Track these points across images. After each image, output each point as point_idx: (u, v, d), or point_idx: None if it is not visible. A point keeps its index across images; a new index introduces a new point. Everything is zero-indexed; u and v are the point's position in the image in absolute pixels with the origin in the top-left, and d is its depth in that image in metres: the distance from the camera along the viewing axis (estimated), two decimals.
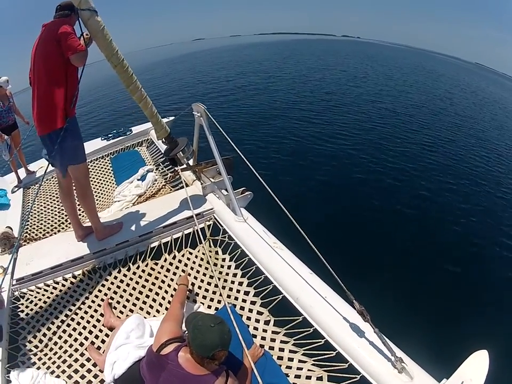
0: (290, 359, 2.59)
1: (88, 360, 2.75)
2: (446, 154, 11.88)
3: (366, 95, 20.95)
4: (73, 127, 3.11)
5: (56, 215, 4.93)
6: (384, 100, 19.90)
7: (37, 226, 4.73)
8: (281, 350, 2.66)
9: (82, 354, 2.80)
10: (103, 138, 6.75)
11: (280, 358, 2.61)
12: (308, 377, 2.44)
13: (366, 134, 12.99)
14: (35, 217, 4.94)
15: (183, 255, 3.63)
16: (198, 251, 3.67)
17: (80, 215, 4.05)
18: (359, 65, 37.13)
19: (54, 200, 5.30)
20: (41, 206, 5.24)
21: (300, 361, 2.56)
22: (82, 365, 2.72)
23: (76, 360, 2.76)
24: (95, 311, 3.15)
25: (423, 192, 8.96)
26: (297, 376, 2.46)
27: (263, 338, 2.78)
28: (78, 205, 3.83)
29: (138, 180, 5.23)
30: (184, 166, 4.29)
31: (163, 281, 3.38)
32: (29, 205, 4.60)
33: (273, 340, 2.75)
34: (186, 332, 2.06)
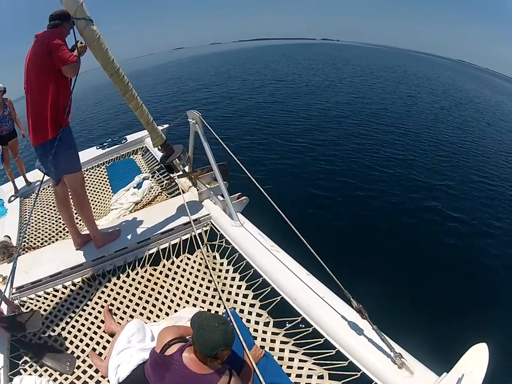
0: (291, 359, 2.62)
1: (90, 366, 2.75)
2: (429, 152, 12.03)
3: (340, 96, 21.30)
4: (66, 136, 3.13)
5: (53, 223, 4.94)
6: (356, 101, 20.14)
7: (35, 235, 4.74)
8: (282, 350, 2.70)
9: (84, 361, 2.80)
10: (98, 147, 6.77)
11: (280, 358, 2.64)
12: (309, 376, 2.46)
13: (358, 135, 13.19)
14: (33, 226, 4.95)
15: (181, 261, 3.67)
16: (196, 256, 3.71)
17: (78, 223, 4.06)
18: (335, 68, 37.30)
19: (51, 209, 5.32)
20: (38, 215, 5.26)
21: (300, 360, 2.59)
22: (84, 372, 2.72)
23: (78, 367, 2.75)
24: (96, 317, 3.16)
25: (413, 190, 9.13)
26: (299, 376, 2.49)
27: (263, 339, 2.81)
28: (75, 213, 3.85)
29: (134, 187, 5.26)
30: (180, 172, 4.32)
31: (162, 287, 3.41)
32: (26, 214, 4.61)
33: (273, 341, 2.78)
34: (190, 336, 2.09)
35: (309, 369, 2.51)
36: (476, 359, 2.13)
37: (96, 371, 2.70)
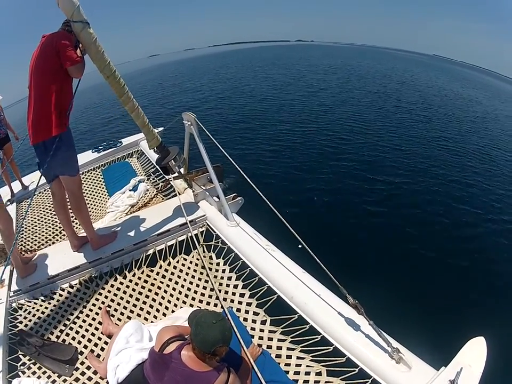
0: (289, 356, 2.64)
1: (88, 368, 2.76)
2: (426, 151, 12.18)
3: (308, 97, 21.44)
4: (67, 137, 3.16)
5: (50, 227, 4.94)
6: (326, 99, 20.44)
7: (32, 238, 4.74)
8: (279, 348, 2.71)
9: (82, 363, 2.80)
10: (93, 151, 6.79)
11: (278, 356, 2.65)
12: (307, 373, 2.49)
13: (352, 134, 13.35)
14: (30, 230, 4.95)
15: (177, 262, 3.70)
16: (193, 257, 3.74)
17: (74, 225, 4.07)
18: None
19: (47, 212, 5.33)
20: (35, 218, 5.26)
21: (298, 357, 2.61)
22: (83, 373, 2.72)
23: (77, 369, 2.75)
24: (93, 319, 3.17)
25: (404, 185, 9.29)
26: (297, 373, 2.51)
27: (261, 337, 2.83)
28: (72, 215, 3.86)
29: (130, 190, 5.28)
30: (176, 174, 4.35)
31: (159, 288, 3.43)
32: (22, 218, 4.61)
33: (270, 339, 2.80)
34: (188, 336, 2.11)
35: (307, 366, 2.54)
36: (474, 352, 2.15)
37: (95, 372, 2.70)
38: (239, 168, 3.42)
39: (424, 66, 65.52)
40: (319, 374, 2.47)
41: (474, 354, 2.14)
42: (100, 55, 3.00)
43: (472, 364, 2.07)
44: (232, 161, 3.48)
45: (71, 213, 3.78)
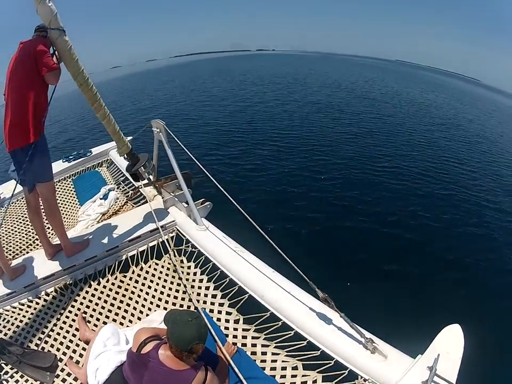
0: (264, 353, 2.73)
1: (69, 374, 2.76)
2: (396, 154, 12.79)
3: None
4: (43, 144, 3.18)
5: (24, 236, 4.92)
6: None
7: (6, 248, 4.68)
8: (254, 345, 2.80)
9: (62, 370, 2.81)
10: (64, 160, 6.73)
11: (253, 353, 2.74)
12: (284, 368, 2.57)
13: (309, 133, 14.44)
14: (4, 240, 4.89)
15: (149, 266, 3.76)
16: (164, 261, 3.81)
17: (48, 234, 4.07)
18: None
19: (22, 222, 5.27)
20: (9, 228, 5.20)
21: (273, 353, 2.69)
22: (64, 380, 2.74)
23: (58, 376, 2.76)
24: (70, 326, 3.19)
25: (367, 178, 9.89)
26: (273, 368, 2.59)
27: (235, 336, 2.91)
28: (46, 223, 3.88)
29: (101, 199, 5.31)
30: (146, 181, 4.42)
31: (133, 292, 3.48)
32: None
33: (244, 337, 2.89)
34: (164, 336, 2.15)
35: (283, 361, 2.62)
36: (451, 339, 2.25)
37: (75, 379, 2.71)
38: (207, 173, 3.52)
39: (385, 71, 67.82)
40: (295, 368, 2.55)
41: (451, 341, 2.23)
42: (74, 62, 3.05)
43: (450, 350, 2.16)
44: (201, 166, 3.57)
45: (45, 220, 3.78)
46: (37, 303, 3.44)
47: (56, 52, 3.05)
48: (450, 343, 2.23)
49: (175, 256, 3.79)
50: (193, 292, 3.36)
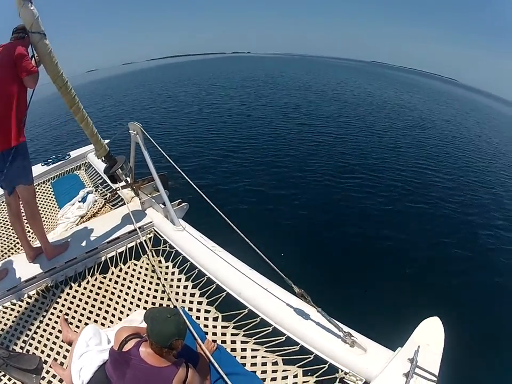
0: (243, 349, 2.79)
1: (54, 376, 2.79)
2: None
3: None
4: (23, 147, 3.20)
5: (5, 240, 4.90)
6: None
7: None
8: (233, 342, 2.86)
9: (47, 372, 2.84)
10: (43, 164, 6.71)
11: (233, 349, 2.79)
12: (264, 364, 2.63)
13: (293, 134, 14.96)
14: None
15: (128, 267, 3.82)
16: (142, 262, 3.88)
17: (29, 237, 4.10)
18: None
19: (2, 226, 5.25)
20: None
21: (253, 349, 2.75)
22: (49, 382, 2.77)
23: (43, 378, 2.78)
24: (53, 328, 3.21)
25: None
26: (253, 364, 2.65)
27: (214, 333, 2.97)
28: (27, 226, 3.89)
29: (79, 201, 5.33)
30: (123, 183, 4.47)
31: (113, 293, 3.53)
32: None
33: (224, 334, 2.95)
34: (145, 334, 2.17)
35: (262, 357, 2.67)
36: (430, 331, 2.31)
37: (60, 380, 2.74)
38: (183, 173, 3.59)
39: (360, 73, 68.92)
40: (275, 363, 2.60)
41: (431, 333, 2.29)
42: (53, 65, 3.08)
43: (430, 342, 2.21)
44: (176, 167, 3.65)
45: (25, 223, 3.80)
46: (20, 306, 3.45)
47: (35, 55, 3.06)
48: (430, 335, 2.29)
49: (153, 256, 3.86)
50: (172, 291, 3.43)
